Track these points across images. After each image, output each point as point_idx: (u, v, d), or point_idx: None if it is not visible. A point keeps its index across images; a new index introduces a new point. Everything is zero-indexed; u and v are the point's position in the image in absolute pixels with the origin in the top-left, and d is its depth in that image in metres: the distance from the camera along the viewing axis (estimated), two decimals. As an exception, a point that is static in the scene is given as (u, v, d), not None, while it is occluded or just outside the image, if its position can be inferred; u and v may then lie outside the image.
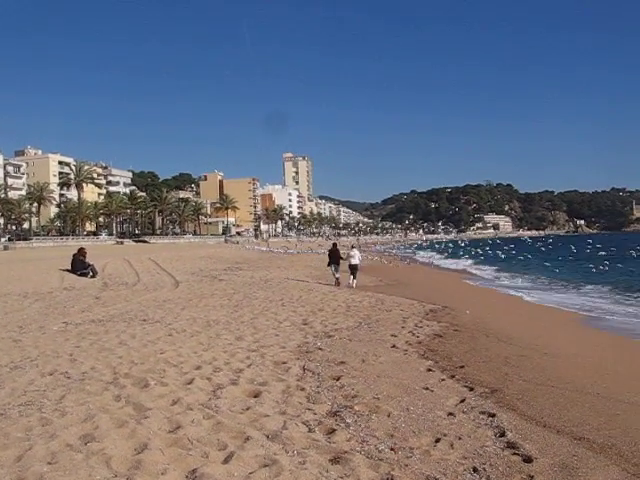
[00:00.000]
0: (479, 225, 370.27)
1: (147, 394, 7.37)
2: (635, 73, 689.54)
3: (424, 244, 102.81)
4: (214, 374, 8.62)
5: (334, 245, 29.44)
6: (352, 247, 29.39)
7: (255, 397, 7.47)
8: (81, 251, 28.77)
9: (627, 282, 31.20)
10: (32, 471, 4.86)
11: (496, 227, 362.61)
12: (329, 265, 27.93)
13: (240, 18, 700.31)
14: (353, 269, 26.21)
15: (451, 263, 57.29)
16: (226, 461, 5.26)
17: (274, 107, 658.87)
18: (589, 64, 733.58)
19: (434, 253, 77.24)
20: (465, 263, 55.31)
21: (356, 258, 26.74)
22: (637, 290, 26.49)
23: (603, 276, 34.33)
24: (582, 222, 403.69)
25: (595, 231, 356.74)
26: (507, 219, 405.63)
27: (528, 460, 5.58)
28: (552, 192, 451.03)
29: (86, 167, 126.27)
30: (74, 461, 5.07)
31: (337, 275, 26.84)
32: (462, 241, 74.83)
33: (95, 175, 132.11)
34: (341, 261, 27.43)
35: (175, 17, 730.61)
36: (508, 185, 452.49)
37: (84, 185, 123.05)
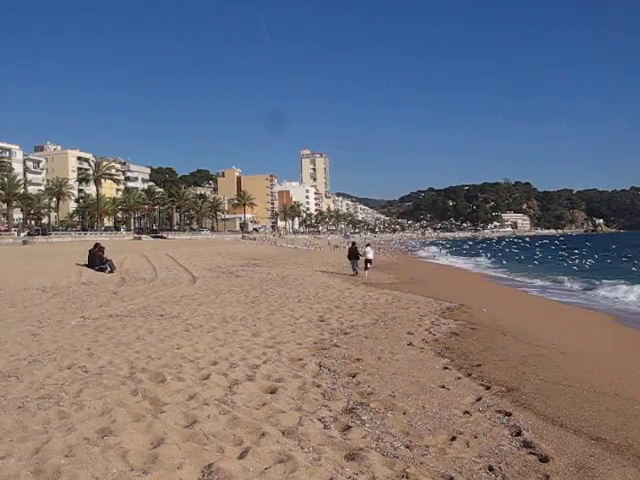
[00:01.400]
0: (497, 223, 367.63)
1: (164, 389, 7.42)
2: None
3: (438, 242, 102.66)
4: (230, 370, 8.66)
5: (353, 244, 34.88)
6: (367, 245, 34.45)
7: (271, 393, 7.50)
8: (97, 246, 28.96)
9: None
10: (50, 463, 4.92)
11: (514, 226, 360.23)
12: (350, 259, 32.49)
13: (258, 15, 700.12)
14: (367, 262, 31.37)
15: (458, 260, 57.30)
16: (242, 456, 5.29)
17: (292, 104, 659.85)
18: (608, 63, 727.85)
19: (445, 250, 77.29)
20: (480, 262, 55.16)
21: (370, 254, 32.17)
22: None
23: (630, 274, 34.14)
24: (601, 221, 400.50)
25: (614, 230, 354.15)
26: (525, 217, 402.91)
27: (544, 460, 5.56)
28: (571, 190, 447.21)
29: (105, 163, 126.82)
30: (91, 454, 5.12)
31: (356, 268, 31.49)
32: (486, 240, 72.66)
33: (113, 171, 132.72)
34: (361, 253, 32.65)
35: (194, 14, 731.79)
36: (526, 183, 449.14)
37: (102, 181, 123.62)
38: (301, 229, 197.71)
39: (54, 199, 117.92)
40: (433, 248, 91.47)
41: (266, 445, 5.58)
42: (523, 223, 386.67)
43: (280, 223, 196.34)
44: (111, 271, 27.19)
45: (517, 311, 18.55)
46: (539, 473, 5.28)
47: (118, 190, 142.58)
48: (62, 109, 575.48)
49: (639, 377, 9.44)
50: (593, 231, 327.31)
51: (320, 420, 6.51)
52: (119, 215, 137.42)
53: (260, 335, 11.87)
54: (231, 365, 8.99)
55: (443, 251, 79.78)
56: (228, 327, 12.79)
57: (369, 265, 31.35)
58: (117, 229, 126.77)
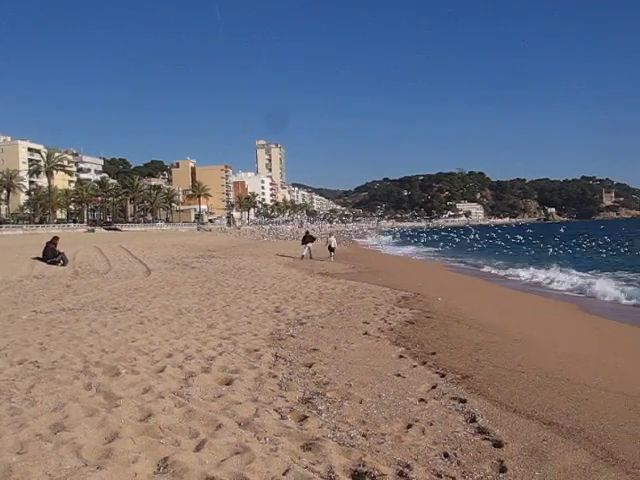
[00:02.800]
0: (451, 213, 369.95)
1: (118, 383, 7.33)
2: (597, 62, 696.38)
3: (393, 231, 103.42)
4: (186, 362, 8.61)
5: (307, 232, 41.01)
6: (330, 234, 40.41)
7: (227, 385, 7.47)
8: (54, 240, 28.51)
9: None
10: (1, 461, 4.81)
11: (468, 215, 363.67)
12: (303, 244, 37.78)
13: (212, 6, 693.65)
14: (331, 249, 36.24)
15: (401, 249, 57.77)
16: (198, 449, 5.26)
17: (246, 94, 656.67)
18: (563, 51, 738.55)
19: (399, 240, 78.16)
20: (434, 250, 55.61)
21: (333, 242, 36.95)
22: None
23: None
24: (553, 210, 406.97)
25: (565, 219, 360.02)
26: (479, 207, 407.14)
27: (498, 445, 5.64)
28: (523, 180, 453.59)
29: (56, 154, 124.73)
30: (43, 451, 5.03)
31: (305, 252, 36.62)
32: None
33: (66, 162, 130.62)
34: (323, 243, 37.89)
35: (148, 4, 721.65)
36: (480, 173, 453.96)
37: (54, 172, 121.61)
38: (257, 219, 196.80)
39: (4, 191, 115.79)
40: (388, 237, 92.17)
41: (222, 437, 5.55)
42: (477, 212, 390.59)
43: (236, 214, 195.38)
44: (64, 264, 26.79)
45: (471, 299, 18.73)
46: (493, 458, 5.35)
47: (71, 182, 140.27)
48: (11, 99, 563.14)
49: (590, 362, 9.63)
50: (545, 220, 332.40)
51: (276, 411, 6.51)
52: (72, 207, 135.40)
53: (216, 327, 11.82)
54: (186, 357, 8.94)
55: (398, 240, 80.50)
56: (183, 319, 12.70)
57: (333, 252, 36.15)
58: (74, 221, 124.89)
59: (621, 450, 5.58)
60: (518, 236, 49.26)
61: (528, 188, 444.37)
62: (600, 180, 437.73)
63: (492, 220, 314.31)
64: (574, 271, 27.66)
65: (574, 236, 51.08)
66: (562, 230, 55.39)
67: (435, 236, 62.15)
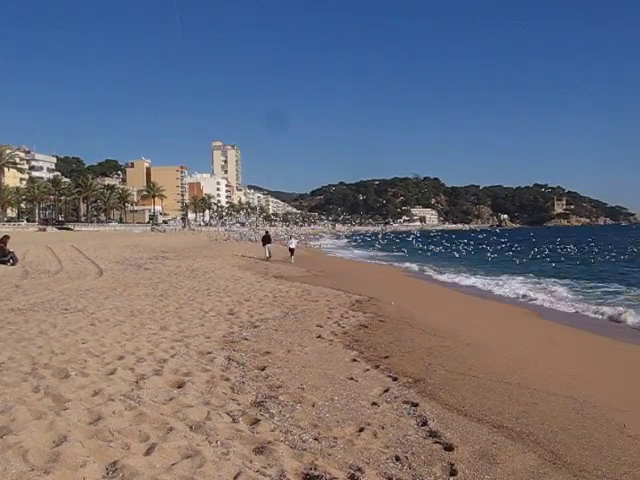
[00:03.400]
0: (406, 218, 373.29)
1: (67, 385, 7.21)
2: (571, 65, 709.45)
3: (348, 235, 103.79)
4: (137, 364, 8.52)
5: (266, 232, 43.53)
6: (290, 236, 43.86)
7: (179, 387, 7.42)
8: (3, 239, 27.94)
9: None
10: (-57, 466, 4.69)
11: (422, 220, 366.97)
12: (263, 245, 39.53)
13: (169, 8, 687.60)
14: (291, 251, 38.61)
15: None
16: (148, 453, 5.20)
17: (203, 95, 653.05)
18: (513, 56, 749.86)
19: (354, 244, 78.42)
20: (389, 255, 55.80)
21: (293, 244, 39.71)
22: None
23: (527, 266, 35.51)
24: (506, 216, 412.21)
25: (518, 225, 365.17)
26: (433, 212, 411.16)
27: (449, 448, 5.70)
28: (477, 186, 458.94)
29: (8, 151, 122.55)
30: (-12, 455, 4.92)
31: (268, 254, 38.18)
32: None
33: (17, 159, 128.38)
34: (283, 245, 40.71)
35: (100, 4, 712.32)
36: (435, 179, 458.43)
37: (5, 170, 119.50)
38: (212, 222, 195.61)
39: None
40: (343, 241, 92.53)
41: (173, 440, 5.50)
42: (431, 217, 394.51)
43: (191, 215, 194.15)
44: (13, 264, 26.28)
45: (424, 304, 18.92)
46: (444, 461, 5.40)
47: (22, 180, 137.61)
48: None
49: (540, 367, 9.78)
50: (499, 226, 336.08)
51: (228, 414, 6.48)
52: (23, 206, 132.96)
53: (168, 329, 11.72)
54: (138, 359, 8.84)
55: (352, 244, 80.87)
56: (135, 321, 12.56)
57: (293, 253, 38.34)
58: (28, 220, 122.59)
59: (568, 453, 5.71)
60: (501, 245, 48.97)
61: (482, 194, 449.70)
62: (552, 188, 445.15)
63: (446, 225, 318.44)
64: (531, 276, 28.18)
65: (552, 243, 51.31)
66: (533, 239, 55.31)
67: (419, 243, 54.54)
